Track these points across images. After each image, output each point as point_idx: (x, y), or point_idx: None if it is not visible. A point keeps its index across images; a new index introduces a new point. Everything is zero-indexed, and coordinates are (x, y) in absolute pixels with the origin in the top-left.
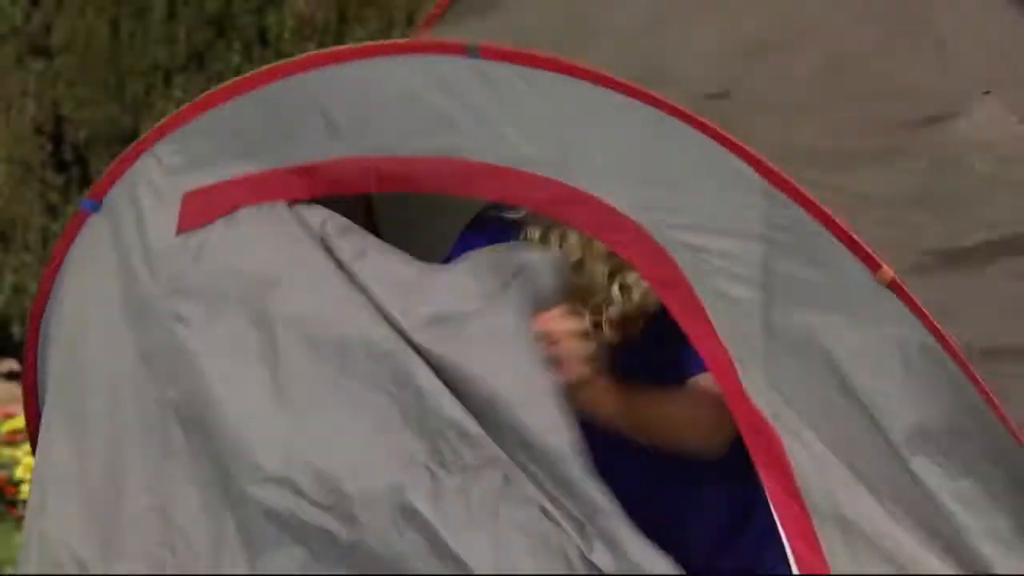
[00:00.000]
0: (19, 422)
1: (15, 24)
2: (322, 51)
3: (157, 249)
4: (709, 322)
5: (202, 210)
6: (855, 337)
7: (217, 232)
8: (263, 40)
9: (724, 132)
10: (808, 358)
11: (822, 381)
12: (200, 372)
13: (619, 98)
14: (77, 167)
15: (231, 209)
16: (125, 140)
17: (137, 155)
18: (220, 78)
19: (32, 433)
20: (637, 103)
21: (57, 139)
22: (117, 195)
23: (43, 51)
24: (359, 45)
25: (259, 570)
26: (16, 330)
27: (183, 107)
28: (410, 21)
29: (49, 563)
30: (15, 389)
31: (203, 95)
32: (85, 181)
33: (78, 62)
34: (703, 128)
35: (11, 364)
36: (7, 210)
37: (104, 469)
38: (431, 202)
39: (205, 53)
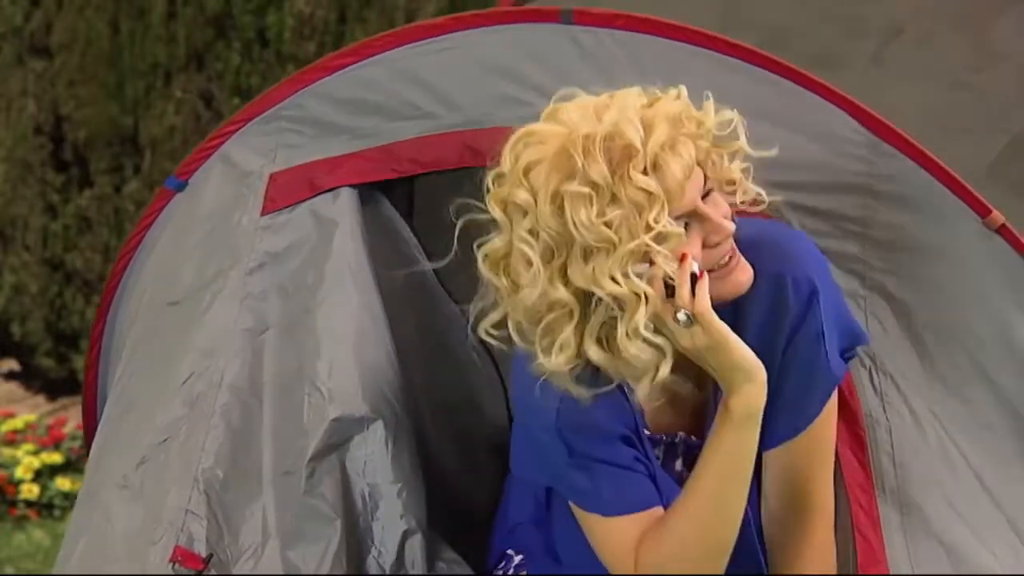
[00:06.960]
0: (19, 422)
1: (15, 24)
2: (416, 24)
3: (243, 227)
4: None
5: (287, 191)
6: (964, 286)
7: (300, 212)
8: (263, 40)
9: (827, 83)
10: (912, 308)
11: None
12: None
13: (716, 56)
14: (77, 167)
15: (315, 190)
16: (125, 140)
17: (224, 136)
18: (220, 78)
19: (90, 383)
20: (735, 60)
21: (57, 139)
22: (203, 175)
23: (43, 51)
24: (453, 16)
25: None
26: (16, 330)
27: (272, 87)
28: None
29: None
30: (15, 389)
31: (291, 75)
32: (85, 181)
33: (78, 62)
34: (803, 80)
35: (11, 364)
36: (7, 210)
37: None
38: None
39: (205, 53)
